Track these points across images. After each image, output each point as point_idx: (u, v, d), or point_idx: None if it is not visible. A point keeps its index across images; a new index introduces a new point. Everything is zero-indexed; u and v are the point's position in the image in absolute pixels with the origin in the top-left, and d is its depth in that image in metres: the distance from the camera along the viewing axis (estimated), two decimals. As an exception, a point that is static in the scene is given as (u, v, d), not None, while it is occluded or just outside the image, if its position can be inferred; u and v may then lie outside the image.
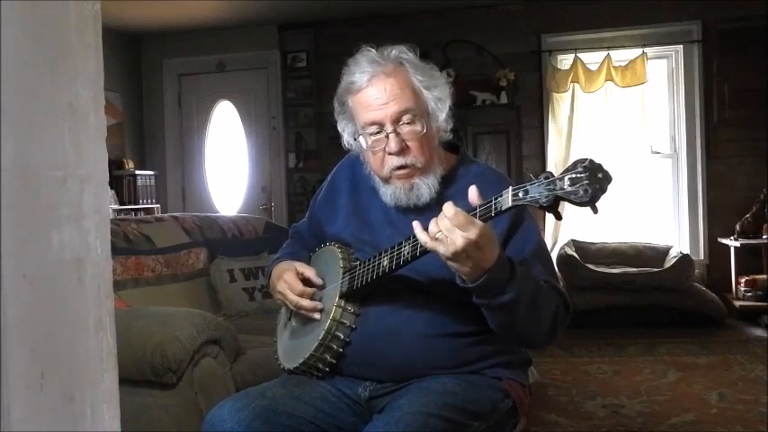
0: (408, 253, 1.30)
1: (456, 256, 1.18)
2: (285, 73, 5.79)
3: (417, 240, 1.27)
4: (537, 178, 1.12)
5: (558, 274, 2.84)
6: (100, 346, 0.68)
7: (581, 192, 1.05)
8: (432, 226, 1.21)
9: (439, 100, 1.47)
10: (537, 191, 1.11)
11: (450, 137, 1.55)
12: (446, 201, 1.23)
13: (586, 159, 1.07)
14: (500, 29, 5.38)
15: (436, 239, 1.19)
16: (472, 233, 1.16)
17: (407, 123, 1.43)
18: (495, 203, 1.17)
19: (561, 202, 1.10)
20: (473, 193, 1.22)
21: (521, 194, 1.13)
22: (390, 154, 1.44)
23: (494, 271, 1.22)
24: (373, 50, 1.47)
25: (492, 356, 1.45)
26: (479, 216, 1.19)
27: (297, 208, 5.75)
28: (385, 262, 1.35)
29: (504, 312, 1.28)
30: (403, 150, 1.43)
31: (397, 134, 1.42)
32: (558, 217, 1.14)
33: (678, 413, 2.89)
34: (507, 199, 1.15)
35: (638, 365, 3.65)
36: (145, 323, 2.01)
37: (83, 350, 0.66)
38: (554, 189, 1.08)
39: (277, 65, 5.82)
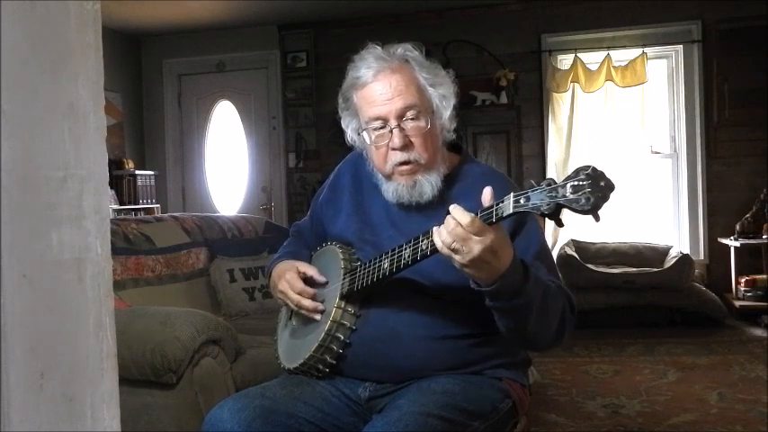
0: (409, 256, 1.28)
1: (473, 263, 1.17)
2: (285, 73, 5.79)
3: (418, 243, 1.26)
4: (539, 185, 1.10)
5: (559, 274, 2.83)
6: (100, 346, 0.67)
7: (583, 200, 1.03)
8: (445, 236, 1.17)
9: (443, 97, 1.47)
10: (538, 198, 1.09)
11: (454, 137, 1.54)
12: (449, 200, 1.21)
13: (589, 167, 1.05)
14: (500, 29, 5.38)
15: (452, 249, 1.17)
16: (488, 239, 1.15)
17: (411, 119, 1.42)
18: (496, 209, 1.16)
19: (563, 210, 1.08)
20: (487, 195, 1.20)
21: (522, 201, 1.11)
22: (393, 149, 1.43)
23: (508, 274, 1.20)
24: (379, 47, 1.47)
25: (493, 358, 1.45)
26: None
27: (297, 208, 5.76)
28: (385, 264, 1.34)
29: (516, 315, 1.27)
30: (406, 146, 1.42)
31: (401, 129, 1.42)
32: (560, 224, 1.12)
33: (678, 413, 2.88)
34: (509, 205, 1.13)
35: (638, 365, 3.65)
36: (145, 323, 2.01)
37: (83, 350, 0.66)
38: (556, 196, 1.06)
39: (277, 65, 5.82)
